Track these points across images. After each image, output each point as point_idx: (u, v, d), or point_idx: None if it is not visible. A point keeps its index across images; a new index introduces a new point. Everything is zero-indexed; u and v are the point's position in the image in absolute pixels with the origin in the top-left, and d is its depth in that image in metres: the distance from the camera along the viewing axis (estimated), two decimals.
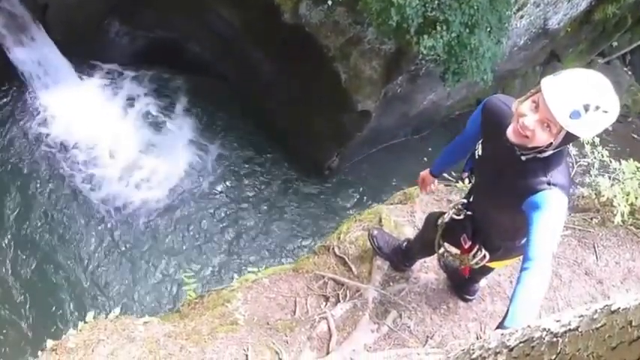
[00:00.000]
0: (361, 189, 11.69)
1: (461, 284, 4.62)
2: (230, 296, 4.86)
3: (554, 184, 3.00)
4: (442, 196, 5.66)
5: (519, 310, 2.84)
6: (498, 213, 3.43)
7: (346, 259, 5.02)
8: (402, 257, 4.75)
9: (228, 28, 10.84)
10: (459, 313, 4.57)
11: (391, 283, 4.75)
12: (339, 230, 5.48)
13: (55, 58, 11.24)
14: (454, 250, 3.96)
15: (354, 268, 4.92)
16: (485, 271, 4.19)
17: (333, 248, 5.17)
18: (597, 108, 2.80)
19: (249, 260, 10.27)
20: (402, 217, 5.41)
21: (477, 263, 3.80)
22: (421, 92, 10.83)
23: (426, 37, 7.43)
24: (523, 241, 3.26)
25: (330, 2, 7.83)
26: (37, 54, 11.04)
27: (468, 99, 11.91)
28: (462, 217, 3.80)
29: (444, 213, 3.99)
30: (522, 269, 2.92)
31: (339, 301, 4.66)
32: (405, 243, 4.75)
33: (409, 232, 5.17)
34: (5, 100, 11.38)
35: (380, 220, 5.30)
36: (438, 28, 7.44)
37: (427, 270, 4.80)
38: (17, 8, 10.50)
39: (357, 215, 5.68)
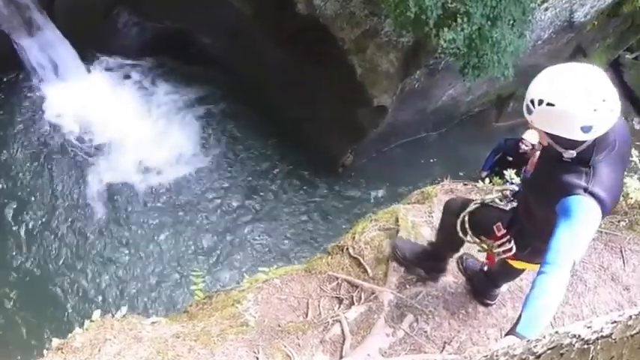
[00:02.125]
0: (376, 187, 11.64)
1: (481, 288, 4.58)
2: (240, 297, 4.85)
3: (590, 193, 2.98)
4: (461, 196, 5.62)
5: (532, 318, 2.85)
6: (538, 208, 3.40)
7: (361, 259, 5.00)
8: (431, 261, 4.66)
9: (239, 19, 10.83)
10: (478, 319, 4.53)
11: (407, 286, 4.72)
12: (353, 230, 5.46)
13: (62, 49, 11.31)
14: (482, 237, 3.89)
15: (369, 270, 4.90)
16: (509, 273, 4.18)
17: (347, 248, 5.15)
18: (541, 102, 2.94)
19: (260, 260, 10.25)
20: (419, 217, 5.38)
21: (499, 253, 3.77)
22: (440, 87, 10.79)
23: (446, 29, 7.37)
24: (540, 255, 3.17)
25: None
26: (43, 44, 11.12)
27: (488, 95, 11.84)
28: (506, 206, 3.80)
29: (468, 200, 4.00)
30: (539, 273, 2.92)
31: (354, 304, 4.64)
32: (429, 244, 4.69)
33: (427, 233, 5.15)
34: (11, 90, 11.47)
35: (396, 220, 5.27)
36: (459, 20, 7.37)
37: (445, 273, 4.76)
38: None
39: (372, 215, 5.66)
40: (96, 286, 9.93)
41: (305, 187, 11.56)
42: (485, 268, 4.49)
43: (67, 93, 11.43)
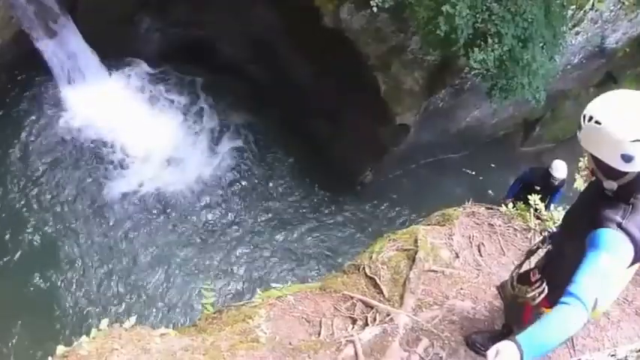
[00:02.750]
0: (395, 207, 11.61)
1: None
2: (252, 312, 4.84)
3: (623, 229, 2.92)
4: (483, 220, 5.61)
5: (537, 335, 2.79)
6: (570, 243, 3.32)
7: (377, 280, 4.99)
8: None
9: (265, 30, 10.90)
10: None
11: (424, 309, 4.70)
12: (371, 249, 5.45)
13: (83, 52, 11.41)
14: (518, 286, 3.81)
15: (385, 291, 4.88)
16: None
17: (363, 268, 5.14)
18: (590, 119, 2.91)
19: (274, 276, 10.27)
20: (439, 239, 5.37)
21: (533, 298, 3.63)
22: (464, 108, 10.77)
23: (476, 49, 7.38)
24: None
25: (374, 8, 7.81)
26: (65, 46, 11.21)
27: (514, 118, 11.79)
28: (542, 248, 3.76)
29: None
30: (560, 302, 2.85)
31: (368, 325, 4.62)
32: (502, 326, 4.46)
33: (446, 256, 5.13)
34: (31, 91, 11.56)
35: (415, 241, 5.26)
36: (490, 40, 7.39)
37: (463, 297, 4.74)
38: None
39: (391, 234, 5.65)
40: (105, 294, 9.96)
41: (322, 204, 11.57)
42: None
43: (87, 96, 11.52)
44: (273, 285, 5.46)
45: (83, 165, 11.17)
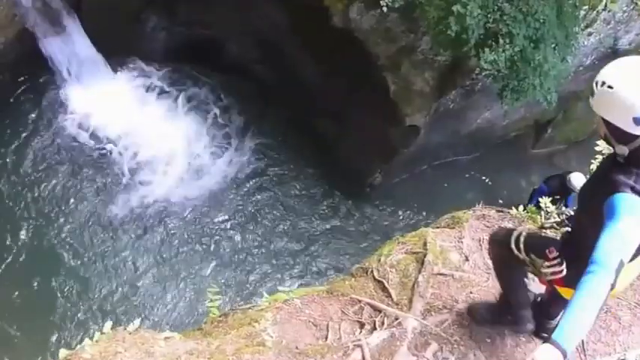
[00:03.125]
0: (405, 209, 11.63)
1: (536, 320, 4.41)
2: (258, 316, 4.87)
3: (637, 192, 3.05)
4: (493, 223, 5.63)
5: (572, 324, 2.86)
6: (587, 219, 3.43)
7: (385, 283, 5.01)
8: (510, 312, 4.41)
9: (272, 29, 10.94)
10: (505, 351, 4.51)
11: (433, 313, 4.72)
12: (379, 252, 5.47)
13: (88, 51, 11.45)
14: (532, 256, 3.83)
15: (393, 294, 4.90)
16: (559, 304, 4.10)
17: (371, 271, 5.17)
18: (603, 84, 3.06)
19: (280, 279, 10.30)
20: (448, 242, 5.38)
21: (547, 274, 3.74)
22: (475, 109, 10.78)
23: (487, 50, 7.40)
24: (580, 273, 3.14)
25: (384, 8, 7.84)
26: (69, 45, 11.25)
27: (525, 120, 11.79)
28: (557, 235, 3.88)
29: (512, 232, 3.98)
30: (585, 273, 2.92)
31: (376, 329, 4.64)
32: (498, 296, 4.54)
33: (455, 259, 5.14)
34: (35, 90, 11.63)
35: (424, 244, 5.28)
36: (501, 41, 7.40)
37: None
38: None
39: (399, 237, 5.67)
40: (109, 297, 10.02)
41: (330, 206, 11.59)
42: (539, 299, 4.46)
43: (92, 95, 11.59)
44: (280, 288, 5.48)
45: (87, 167, 11.23)
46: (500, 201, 10.66)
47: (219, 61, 12.09)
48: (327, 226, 11.36)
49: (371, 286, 5.05)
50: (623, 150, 3.17)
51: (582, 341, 4.54)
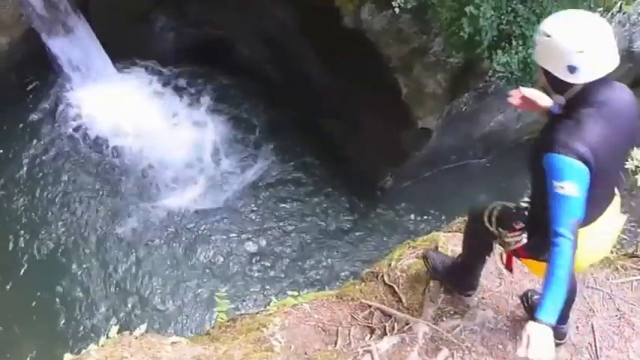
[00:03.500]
0: (416, 213, 11.60)
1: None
2: (266, 321, 4.90)
3: (568, 148, 3.25)
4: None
5: (551, 300, 3.26)
6: (533, 181, 3.70)
7: (396, 288, 5.03)
8: (460, 274, 4.76)
9: (282, 30, 10.98)
10: (517, 358, 4.52)
11: (444, 318, 4.74)
12: (390, 256, 5.49)
13: (95, 51, 11.52)
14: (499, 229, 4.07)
15: (404, 299, 4.93)
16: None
17: (382, 276, 5.19)
18: (543, 33, 3.33)
19: (289, 283, 10.30)
20: (460, 246, 5.39)
21: (509, 244, 3.98)
22: (488, 112, 10.78)
23: (500, 52, 7.42)
24: (539, 240, 3.62)
25: (396, 9, 7.86)
26: (76, 45, 11.33)
27: (539, 123, 11.69)
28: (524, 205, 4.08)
29: (487, 206, 4.24)
30: (550, 247, 3.29)
31: (386, 334, 4.67)
32: (459, 256, 4.83)
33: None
34: (41, 91, 11.69)
35: (436, 248, 5.31)
36: (514, 42, 7.43)
37: (485, 306, 4.78)
38: None
39: (410, 241, 5.69)
40: (115, 301, 10.04)
41: (341, 210, 11.58)
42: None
43: (98, 96, 11.63)
44: (289, 293, 5.51)
45: (93, 170, 11.29)
46: (515, 200, 10.67)
47: (228, 61, 12.13)
48: (336, 230, 11.35)
49: (381, 290, 5.08)
50: (560, 99, 3.42)
51: (595, 347, 4.57)
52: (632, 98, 3.56)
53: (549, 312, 3.24)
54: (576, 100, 3.36)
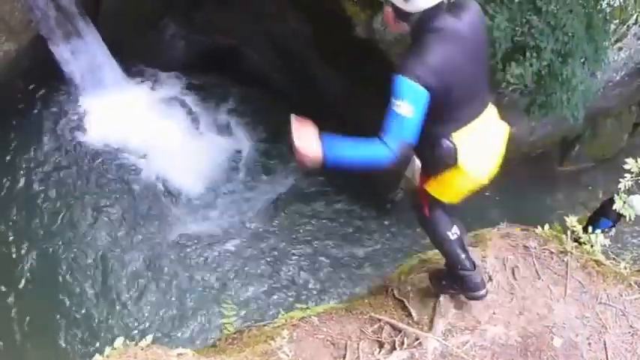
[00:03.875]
0: None
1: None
2: (274, 333, 4.90)
3: (409, 71, 3.63)
4: (518, 242, 5.64)
5: (344, 146, 3.83)
6: None
7: (406, 302, 5.03)
8: (457, 272, 4.77)
9: (293, 39, 11.00)
10: None
11: (454, 334, 4.73)
12: (400, 270, 5.50)
13: (104, 58, 11.55)
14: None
15: (414, 314, 4.93)
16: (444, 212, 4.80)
17: (392, 289, 5.19)
18: None
19: (298, 295, 10.32)
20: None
21: (409, 172, 4.67)
22: None
23: (514, 64, 7.43)
24: (427, 154, 4.17)
25: None
26: (84, 52, 11.35)
27: (552, 136, 11.75)
28: None
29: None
30: (375, 137, 3.70)
31: (395, 349, 4.66)
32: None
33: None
34: (48, 99, 11.72)
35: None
36: (528, 54, 7.43)
37: (495, 322, 4.78)
38: (67, 2, 10.81)
39: (421, 255, 5.70)
40: (120, 312, 10.06)
41: (350, 221, 11.62)
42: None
43: (106, 104, 11.65)
44: (298, 305, 5.51)
45: (100, 180, 11.29)
46: (527, 213, 10.68)
47: (238, 69, 12.18)
48: (346, 242, 11.38)
49: (391, 304, 5.07)
50: (406, 27, 3.81)
51: None
52: (479, 20, 3.95)
53: (332, 147, 3.80)
54: (418, 27, 3.73)
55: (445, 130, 4.06)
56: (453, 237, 4.76)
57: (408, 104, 3.63)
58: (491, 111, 4.40)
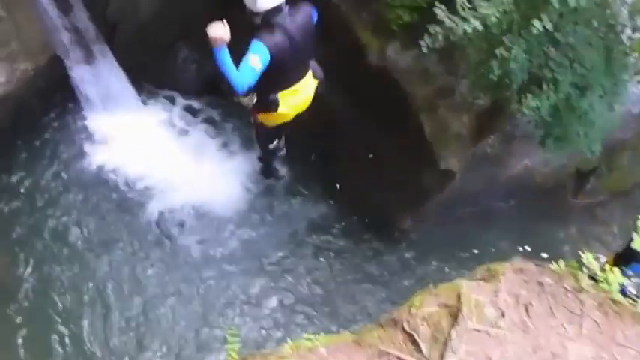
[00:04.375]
0: (436, 257, 11.48)
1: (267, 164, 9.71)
2: None
3: (260, 38, 6.39)
4: (531, 277, 5.54)
5: (228, 58, 6.26)
6: None
7: (416, 336, 4.95)
8: (263, 165, 8.95)
9: None
10: None
11: None
12: (410, 302, 5.41)
13: (118, 80, 11.59)
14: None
15: (424, 348, 4.84)
16: (270, 134, 8.60)
17: (402, 322, 5.10)
18: None
19: (302, 325, 10.22)
20: (484, 295, 5.30)
21: (248, 104, 7.30)
22: (515, 156, 10.67)
23: (530, 96, 7.34)
24: (262, 99, 7.17)
25: (424, 49, 7.81)
26: (99, 74, 11.38)
27: (567, 168, 11.63)
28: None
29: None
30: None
31: None
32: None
33: (491, 314, 5.07)
34: (63, 119, 11.78)
35: (459, 297, 5.21)
36: (545, 87, 7.34)
37: None
38: (84, 24, 10.84)
39: (432, 288, 5.60)
40: (121, 337, 9.99)
41: (357, 249, 11.50)
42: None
43: (119, 126, 11.68)
44: (305, 335, 5.42)
45: (108, 198, 11.31)
46: (543, 254, 10.55)
47: None
48: (352, 271, 11.26)
49: (400, 338, 4.99)
50: (258, 19, 6.45)
51: None
52: (308, 20, 6.94)
53: (225, 53, 6.22)
54: (265, 20, 6.44)
55: (275, 88, 7.02)
56: (271, 147, 8.90)
57: (258, 60, 6.22)
58: (308, 75, 7.52)
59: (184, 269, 10.84)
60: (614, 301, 5.10)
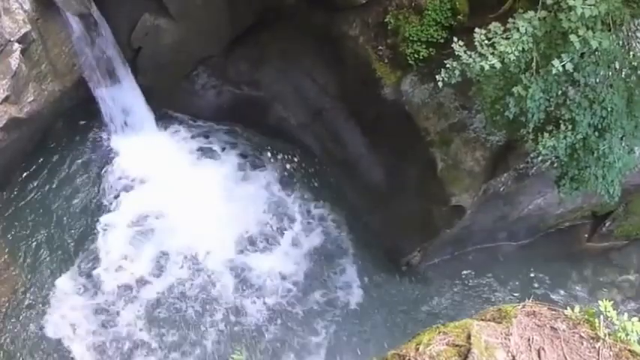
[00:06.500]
0: (443, 293, 11.22)
1: None
2: None
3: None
4: (545, 322, 5.31)
5: None
6: None
7: None
8: None
9: (321, 95, 10.97)
10: None
11: None
12: (417, 339, 5.18)
13: (138, 103, 11.81)
14: None
15: None
16: None
17: (409, 359, 4.91)
18: None
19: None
20: (494, 337, 5.06)
21: None
22: (527, 194, 10.47)
23: (547, 135, 7.16)
24: None
25: (440, 83, 7.68)
26: (120, 96, 11.64)
27: (582, 210, 11.35)
28: None
29: None
30: None
31: None
32: None
33: (501, 357, 4.85)
34: (85, 139, 11.99)
35: (468, 337, 4.99)
36: (562, 127, 7.15)
37: None
38: (110, 49, 11.10)
39: (441, 326, 5.39)
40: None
41: (363, 283, 11.32)
42: None
43: (136, 147, 11.84)
44: None
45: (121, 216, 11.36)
46: (554, 296, 10.32)
47: (265, 123, 12.15)
48: (359, 304, 11.09)
49: None
50: None
51: None
52: None
53: None
54: None
55: None
56: None
57: None
58: None
59: (185, 295, 10.93)
60: (633, 353, 4.87)
